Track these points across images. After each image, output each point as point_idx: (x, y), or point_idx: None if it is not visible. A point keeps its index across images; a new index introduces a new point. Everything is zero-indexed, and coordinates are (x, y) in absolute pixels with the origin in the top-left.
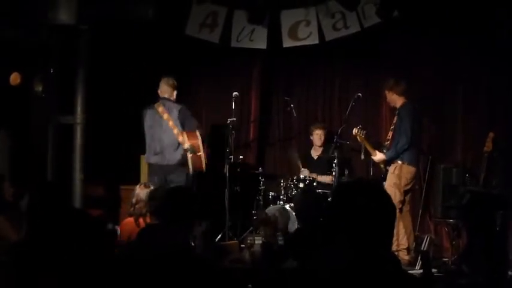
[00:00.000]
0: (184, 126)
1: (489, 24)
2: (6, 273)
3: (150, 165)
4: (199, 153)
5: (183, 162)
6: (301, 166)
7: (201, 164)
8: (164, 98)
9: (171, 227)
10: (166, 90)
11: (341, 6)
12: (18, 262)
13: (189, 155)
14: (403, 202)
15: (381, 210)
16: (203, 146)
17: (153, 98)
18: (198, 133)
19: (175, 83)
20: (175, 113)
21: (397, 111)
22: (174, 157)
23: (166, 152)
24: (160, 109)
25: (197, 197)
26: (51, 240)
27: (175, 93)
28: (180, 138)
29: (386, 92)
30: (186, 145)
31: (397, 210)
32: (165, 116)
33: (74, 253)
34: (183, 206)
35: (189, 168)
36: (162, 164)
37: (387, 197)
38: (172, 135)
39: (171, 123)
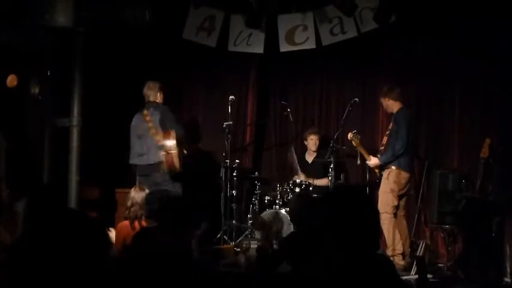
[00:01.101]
0: (163, 127)
1: (486, 30)
2: (1, 274)
3: (134, 167)
4: (171, 152)
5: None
6: (299, 169)
7: (174, 164)
8: (149, 102)
9: (167, 230)
10: (148, 94)
11: (338, 11)
12: (13, 263)
13: (162, 153)
14: (397, 207)
15: (362, 213)
16: (178, 146)
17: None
18: (173, 133)
19: (158, 85)
20: (157, 115)
21: (393, 116)
22: (155, 156)
23: (149, 153)
24: (145, 112)
25: (191, 200)
26: (47, 242)
27: (159, 95)
28: (157, 137)
29: (382, 100)
30: (160, 144)
31: (392, 215)
32: (148, 118)
33: (71, 255)
34: (179, 210)
35: (162, 168)
36: (145, 164)
37: (368, 200)
38: (152, 137)
39: (150, 124)
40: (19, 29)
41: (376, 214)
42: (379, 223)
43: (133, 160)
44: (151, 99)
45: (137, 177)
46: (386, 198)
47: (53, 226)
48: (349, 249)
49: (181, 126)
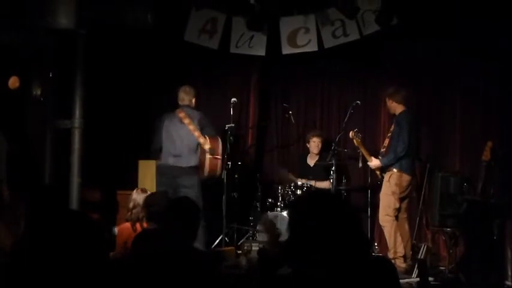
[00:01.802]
0: (203, 133)
1: (487, 31)
2: (3, 275)
3: (159, 166)
4: (217, 157)
5: (197, 166)
6: (295, 178)
7: (217, 168)
8: (184, 105)
9: (169, 232)
10: (183, 97)
11: (340, 14)
12: (15, 264)
13: (208, 156)
14: (399, 210)
15: (336, 217)
16: (223, 153)
17: (151, 103)
18: (219, 140)
19: (193, 90)
20: (197, 118)
21: (395, 119)
22: (191, 160)
23: (184, 154)
24: (182, 114)
25: (193, 202)
26: (48, 243)
27: (194, 100)
28: (202, 140)
29: (386, 99)
30: (207, 146)
31: (393, 218)
32: (186, 120)
33: (72, 256)
34: (180, 212)
35: (204, 171)
36: (177, 166)
37: (341, 203)
38: (193, 138)
39: (192, 127)
40: (21, 31)
41: (351, 217)
42: (357, 226)
43: (167, 160)
44: (186, 103)
45: (159, 178)
46: (387, 200)
47: (54, 227)
48: (334, 254)
49: (216, 132)
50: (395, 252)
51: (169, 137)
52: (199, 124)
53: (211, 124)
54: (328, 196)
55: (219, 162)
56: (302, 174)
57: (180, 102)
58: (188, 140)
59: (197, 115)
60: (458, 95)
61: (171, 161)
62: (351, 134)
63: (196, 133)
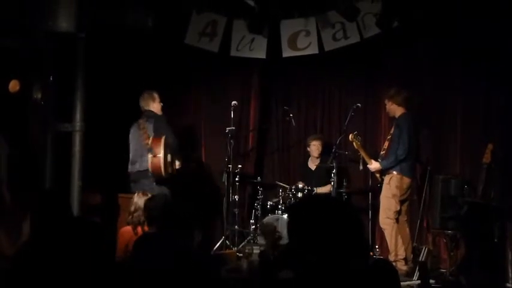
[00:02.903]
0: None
1: (490, 35)
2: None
3: (129, 174)
4: (158, 155)
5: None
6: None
7: (160, 168)
8: (145, 111)
9: (168, 235)
10: (143, 104)
11: (341, 17)
12: (18, 269)
13: (149, 156)
14: (399, 212)
15: (338, 221)
16: (167, 152)
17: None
18: (162, 138)
19: (153, 94)
20: (151, 123)
21: (395, 121)
22: (145, 165)
23: (140, 160)
24: (140, 121)
25: (190, 205)
26: (53, 248)
27: (154, 104)
28: (147, 141)
29: (386, 101)
30: (147, 146)
31: (394, 221)
32: (141, 126)
33: (74, 260)
34: (178, 215)
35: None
36: (134, 171)
37: (341, 206)
38: (144, 145)
39: (144, 133)
40: (21, 34)
41: (351, 220)
42: (357, 229)
43: (129, 167)
44: (146, 108)
45: (132, 186)
46: (388, 203)
47: (58, 233)
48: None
49: (174, 137)
50: (396, 255)
51: (131, 145)
52: (154, 129)
53: (164, 126)
54: (327, 200)
55: (161, 160)
56: (305, 178)
57: (141, 109)
58: (141, 145)
59: (153, 120)
60: (459, 97)
61: (130, 167)
62: (350, 136)
63: (147, 140)
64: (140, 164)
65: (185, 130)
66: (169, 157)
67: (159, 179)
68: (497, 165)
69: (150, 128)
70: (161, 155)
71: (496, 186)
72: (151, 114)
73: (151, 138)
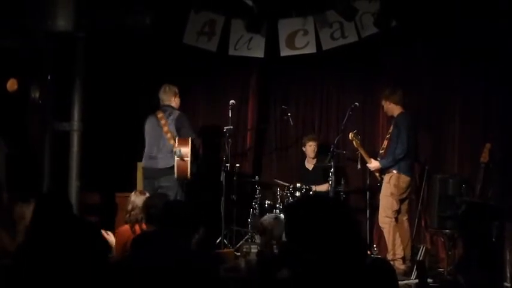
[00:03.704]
0: (179, 133)
1: (488, 34)
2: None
3: (143, 169)
4: (185, 159)
5: (173, 169)
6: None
7: (186, 171)
8: (164, 105)
9: (166, 234)
10: (162, 98)
11: (339, 16)
12: (17, 267)
13: (176, 159)
14: (399, 211)
15: (335, 220)
16: (193, 154)
17: (150, 106)
18: (189, 140)
19: (175, 89)
20: (172, 119)
21: (393, 121)
22: (167, 162)
23: (159, 156)
24: (160, 115)
25: (191, 204)
26: (50, 247)
27: (175, 99)
28: (171, 142)
29: (383, 102)
30: (175, 149)
31: (392, 219)
32: (163, 121)
33: (73, 259)
34: (178, 214)
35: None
36: (154, 167)
37: (337, 206)
38: (166, 140)
39: (165, 128)
40: (20, 33)
41: (347, 220)
42: (353, 228)
43: (145, 162)
44: (166, 102)
45: (143, 180)
46: (386, 202)
47: (56, 232)
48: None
49: (197, 134)
50: (394, 254)
51: (148, 138)
52: (175, 125)
53: (188, 125)
54: (323, 200)
55: (188, 164)
56: (302, 179)
57: (161, 102)
58: (163, 141)
59: (175, 115)
60: (458, 97)
61: (148, 163)
62: (350, 135)
63: (169, 135)
64: (159, 161)
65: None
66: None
67: (182, 181)
68: (495, 165)
69: (171, 124)
70: (188, 158)
71: (494, 185)
72: (171, 110)
73: (177, 139)
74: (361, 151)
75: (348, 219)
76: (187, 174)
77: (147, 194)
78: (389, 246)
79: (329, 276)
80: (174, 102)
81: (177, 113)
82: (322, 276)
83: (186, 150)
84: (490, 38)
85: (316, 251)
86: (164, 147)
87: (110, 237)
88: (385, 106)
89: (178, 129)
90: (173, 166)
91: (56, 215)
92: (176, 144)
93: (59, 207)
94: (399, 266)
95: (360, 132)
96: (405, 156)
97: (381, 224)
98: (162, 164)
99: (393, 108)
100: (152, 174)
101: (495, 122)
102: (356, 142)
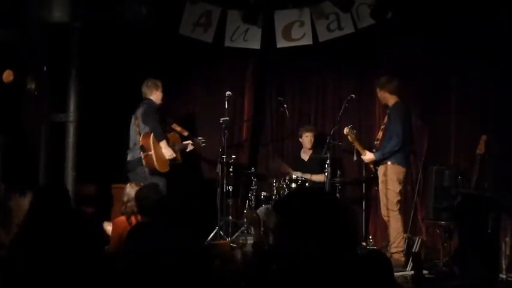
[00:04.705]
0: (143, 122)
1: (484, 26)
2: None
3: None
4: (149, 153)
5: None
6: (288, 169)
7: (153, 163)
8: (144, 99)
9: (160, 225)
10: (146, 91)
11: (335, 8)
12: (13, 259)
13: (142, 154)
14: (401, 201)
15: (324, 212)
16: (157, 146)
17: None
18: (150, 135)
19: (157, 83)
20: (140, 113)
21: (388, 111)
22: (133, 154)
23: (134, 149)
24: (138, 111)
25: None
26: (46, 238)
27: (156, 93)
28: (137, 137)
29: (378, 90)
30: (139, 144)
31: (397, 212)
32: (137, 115)
33: (69, 251)
34: (170, 205)
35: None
36: (130, 159)
37: (327, 200)
38: (136, 134)
39: (137, 121)
40: (15, 25)
41: (339, 213)
42: (346, 221)
43: (127, 156)
44: (147, 96)
45: (128, 173)
46: (388, 194)
47: (53, 224)
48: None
49: (157, 124)
50: (396, 247)
51: (130, 134)
52: (142, 118)
53: (150, 118)
54: (313, 192)
55: (153, 156)
56: (297, 169)
57: (143, 96)
58: (134, 134)
59: (143, 109)
60: (454, 89)
61: (128, 156)
62: (345, 130)
63: (137, 129)
64: (133, 153)
65: (179, 121)
66: (168, 151)
67: (154, 173)
68: (491, 156)
69: (140, 118)
70: (151, 152)
71: (490, 177)
72: (145, 104)
73: (141, 134)
74: (356, 144)
75: (339, 212)
76: (154, 166)
77: (140, 185)
78: (392, 239)
79: (324, 267)
80: (155, 95)
81: (144, 106)
82: (317, 267)
83: (147, 143)
84: (487, 33)
85: (308, 244)
86: (136, 140)
87: (109, 226)
88: (380, 95)
89: (146, 122)
90: (139, 158)
91: (54, 208)
92: (140, 139)
93: (57, 199)
94: (400, 258)
95: (356, 124)
96: (401, 148)
97: (385, 218)
98: (134, 155)
99: (388, 97)
100: (130, 167)
101: (491, 113)
102: (351, 136)
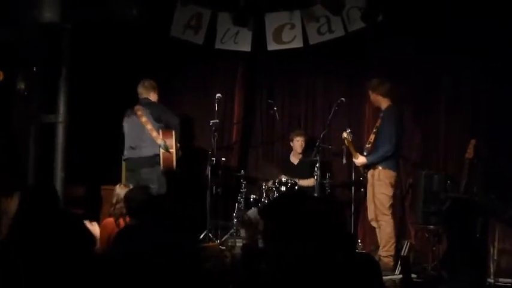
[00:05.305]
0: (161, 123)
1: (475, 29)
2: None
3: (125, 161)
4: (171, 150)
5: (157, 159)
6: (277, 172)
7: (172, 162)
8: (142, 99)
9: (149, 227)
10: (143, 91)
11: (326, 11)
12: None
13: (161, 151)
14: (393, 205)
15: (310, 218)
16: (176, 146)
17: (136, 99)
18: (173, 132)
19: (154, 84)
20: (150, 111)
21: (381, 114)
22: (150, 150)
23: (143, 145)
24: (137, 108)
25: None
26: (35, 239)
27: (153, 94)
28: (154, 134)
29: (370, 93)
30: (159, 141)
31: (390, 216)
32: (139, 112)
33: (57, 252)
34: (159, 207)
35: (160, 165)
36: (136, 157)
37: (314, 204)
38: (145, 131)
39: (144, 119)
40: (5, 24)
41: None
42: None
43: (126, 153)
44: (144, 96)
45: (125, 173)
46: (380, 199)
47: (41, 226)
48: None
49: (175, 117)
50: (387, 251)
51: (128, 132)
52: (152, 115)
53: (170, 117)
54: (299, 198)
55: (173, 155)
56: (287, 173)
57: (139, 97)
58: (143, 131)
59: (154, 108)
60: (444, 94)
61: (130, 153)
62: (344, 134)
63: (149, 126)
64: (143, 150)
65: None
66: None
67: (167, 172)
68: (480, 161)
69: (149, 115)
70: (174, 149)
71: (479, 181)
72: (148, 102)
73: (161, 131)
74: (351, 148)
75: (323, 212)
76: (173, 165)
77: (131, 187)
78: (383, 243)
79: (313, 269)
80: (153, 96)
81: (156, 106)
82: (306, 270)
83: (171, 141)
84: (479, 35)
85: (294, 246)
86: (147, 137)
87: (95, 227)
88: (371, 97)
89: (159, 119)
90: (156, 155)
91: (42, 209)
92: (161, 136)
93: (46, 200)
94: (389, 262)
95: (346, 128)
96: (392, 154)
97: (377, 223)
98: (145, 152)
99: (381, 100)
100: (134, 165)
101: (482, 114)
102: (348, 141)
